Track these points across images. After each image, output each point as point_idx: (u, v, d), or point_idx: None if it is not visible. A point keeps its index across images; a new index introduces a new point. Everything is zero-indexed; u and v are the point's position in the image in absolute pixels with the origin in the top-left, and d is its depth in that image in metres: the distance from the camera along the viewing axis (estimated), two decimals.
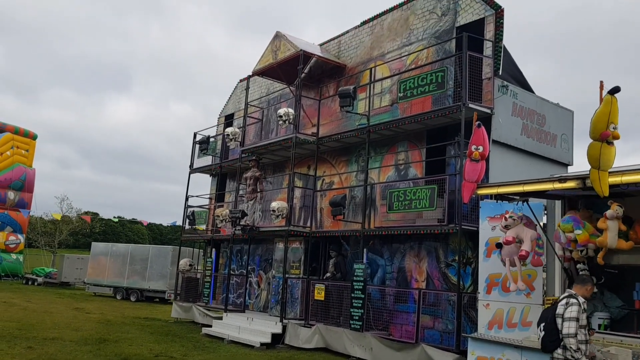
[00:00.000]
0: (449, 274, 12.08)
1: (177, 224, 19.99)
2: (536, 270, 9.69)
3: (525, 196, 8.49)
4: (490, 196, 11.37)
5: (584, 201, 9.54)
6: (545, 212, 10.13)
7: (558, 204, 9.98)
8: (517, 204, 9.44)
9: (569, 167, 13.30)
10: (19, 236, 38.98)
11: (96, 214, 66.43)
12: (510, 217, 8.38)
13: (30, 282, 36.11)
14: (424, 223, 12.26)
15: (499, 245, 8.93)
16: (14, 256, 38.60)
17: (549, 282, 10.09)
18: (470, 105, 11.24)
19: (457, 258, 11.83)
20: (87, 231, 57.44)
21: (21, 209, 37.21)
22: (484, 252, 10.40)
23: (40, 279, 36.02)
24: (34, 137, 40.36)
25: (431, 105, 12.84)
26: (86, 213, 52.84)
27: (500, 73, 11.80)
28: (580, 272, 9.38)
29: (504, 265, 9.42)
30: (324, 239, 15.09)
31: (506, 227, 8.40)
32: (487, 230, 10.38)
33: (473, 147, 8.68)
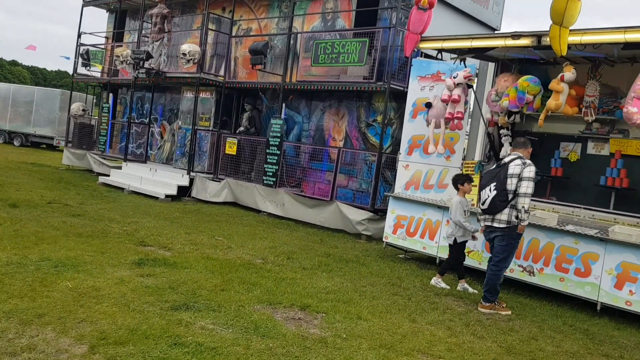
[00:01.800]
0: (368, 134, 11.74)
1: (71, 59, 17.69)
2: (459, 134, 9.51)
3: (471, 53, 7.97)
4: (421, 53, 10.85)
5: (517, 66, 9.28)
6: (477, 74, 9.79)
7: (491, 66, 9.67)
8: (455, 63, 8.97)
9: (495, 32, 12.93)
10: None
11: None
12: (469, 77, 7.81)
13: None
14: (348, 79, 11.59)
15: (428, 105, 8.52)
16: None
17: (470, 147, 10.06)
18: None
19: (379, 118, 11.46)
20: None
21: None
22: (410, 113, 10.01)
23: None
24: None
25: None
26: None
27: None
28: (503, 137, 9.37)
29: (428, 126, 9.13)
30: (237, 90, 14.03)
31: (457, 85, 7.87)
32: (416, 91, 9.90)
33: None
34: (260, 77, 13.41)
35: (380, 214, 10.60)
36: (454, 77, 8.05)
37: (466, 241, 7.24)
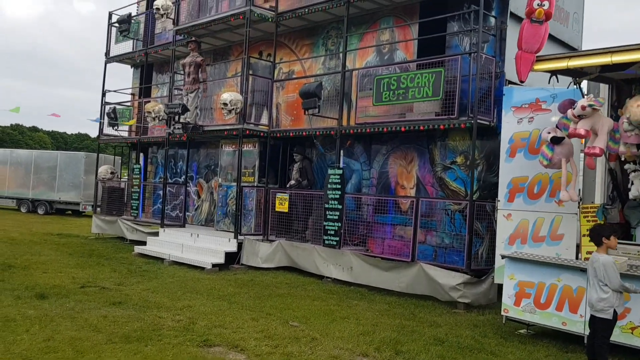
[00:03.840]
0: (447, 178, 10.05)
1: (99, 121, 16.48)
2: (571, 173, 7.79)
3: (607, 71, 6.34)
4: (509, 81, 9.27)
5: (639, 86, 7.63)
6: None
7: (603, 89, 8.01)
8: (569, 88, 7.35)
9: None
10: None
11: None
12: (590, 105, 6.16)
13: None
14: (417, 117, 10.00)
15: (556, 141, 6.81)
16: None
17: (587, 187, 8.30)
18: None
19: (459, 159, 9.83)
20: None
21: None
22: (506, 151, 8.39)
23: None
24: None
25: None
26: None
27: None
28: (632, 174, 7.61)
29: (546, 165, 7.41)
30: (283, 140, 12.52)
31: (580, 117, 6.22)
32: (512, 124, 8.32)
33: (535, 2, 6.33)
34: (308, 122, 11.89)
35: (471, 273, 8.80)
36: (574, 109, 6.41)
37: None
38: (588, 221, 7.82)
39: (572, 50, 11.09)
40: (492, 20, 9.48)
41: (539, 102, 8.11)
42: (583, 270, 6.33)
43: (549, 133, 6.88)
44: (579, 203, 7.96)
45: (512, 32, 9.39)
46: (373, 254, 10.15)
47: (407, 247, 9.73)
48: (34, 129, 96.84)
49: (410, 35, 10.71)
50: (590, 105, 6.16)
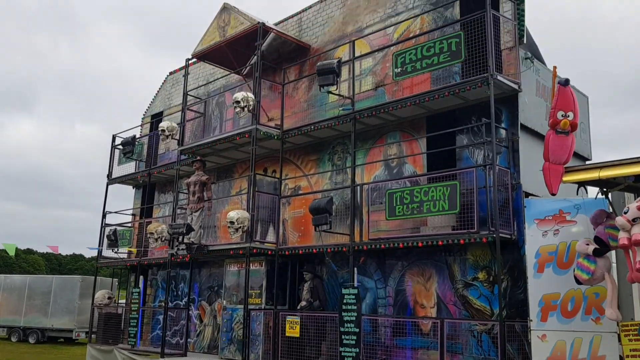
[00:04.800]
0: (469, 296, 9.44)
1: (96, 248, 16.03)
2: (606, 287, 7.28)
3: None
4: (527, 193, 9.02)
5: None
6: (611, 209, 7.79)
7: (628, 198, 7.71)
8: (597, 198, 7.05)
9: (587, 162, 11.22)
10: None
11: None
12: None
13: None
14: (432, 231, 9.62)
15: (599, 253, 6.36)
16: None
17: (624, 302, 7.72)
18: (499, 78, 8.80)
19: (481, 275, 9.30)
20: None
21: None
22: (534, 266, 7.90)
23: None
24: None
25: (430, 85, 10.34)
26: None
27: (524, 41, 9.51)
28: None
29: (587, 281, 6.89)
30: (291, 257, 12.03)
31: (635, 222, 5.83)
32: (537, 237, 7.92)
33: (559, 113, 6.22)
34: (318, 239, 11.48)
35: None
36: (625, 213, 6.03)
37: None
38: (630, 340, 7.21)
39: (583, 160, 11.03)
40: (503, 132, 9.41)
41: (562, 214, 7.78)
42: None
43: (588, 245, 6.44)
44: (617, 321, 7.36)
45: (524, 143, 9.30)
46: None
47: None
48: (29, 252, 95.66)
49: (418, 148, 10.62)
50: None
